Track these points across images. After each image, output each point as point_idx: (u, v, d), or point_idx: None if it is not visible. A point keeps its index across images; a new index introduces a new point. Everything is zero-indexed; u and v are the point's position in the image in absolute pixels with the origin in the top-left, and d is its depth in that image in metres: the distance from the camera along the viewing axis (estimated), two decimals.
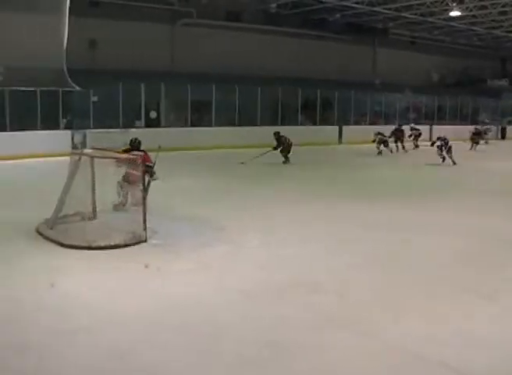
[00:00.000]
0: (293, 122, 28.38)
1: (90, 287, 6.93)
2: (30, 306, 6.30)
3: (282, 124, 26.75)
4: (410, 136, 26.73)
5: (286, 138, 20.23)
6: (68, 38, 21.34)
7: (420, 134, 27.37)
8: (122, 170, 10.31)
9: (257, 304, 6.50)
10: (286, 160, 20.08)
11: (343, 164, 19.01)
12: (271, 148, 19.52)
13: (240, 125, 25.77)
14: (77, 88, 21.26)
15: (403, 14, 29.44)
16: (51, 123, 21.74)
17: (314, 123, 29.50)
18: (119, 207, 10.64)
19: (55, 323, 5.83)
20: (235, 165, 18.86)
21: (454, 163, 20.06)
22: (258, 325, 5.87)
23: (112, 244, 8.74)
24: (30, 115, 21.03)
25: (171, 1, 27.28)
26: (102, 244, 8.69)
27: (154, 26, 26.44)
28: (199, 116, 25.83)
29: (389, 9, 28.53)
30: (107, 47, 24.34)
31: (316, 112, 29.68)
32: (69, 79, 21.39)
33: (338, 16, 30.51)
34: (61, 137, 20.34)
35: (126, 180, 10.43)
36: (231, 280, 7.33)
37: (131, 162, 9.96)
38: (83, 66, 22.03)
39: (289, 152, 20.13)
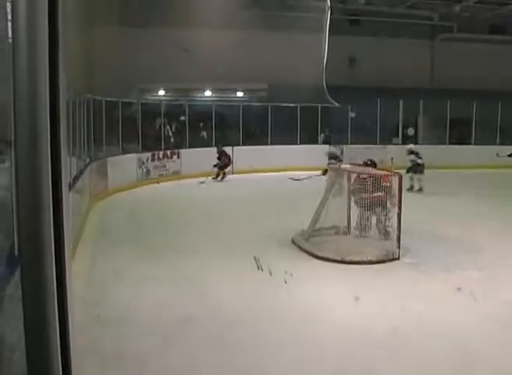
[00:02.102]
0: None
1: (346, 300, 7.06)
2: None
3: None
4: None
5: None
6: (327, 56, 22.00)
7: None
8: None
9: None
10: None
11: None
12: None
13: (501, 144, 24.27)
14: (336, 104, 21.75)
15: None
16: (309, 138, 22.50)
17: None
18: (362, 233, 10.11)
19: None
20: (491, 185, 17.65)
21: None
22: None
23: (365, 259, 8.74)
24: (291, 129, 21.96)
25: (431, 16, 26.75)
26: (355, 258, 8.73)
27: (413, 41, 26.14)
28: (458, 133, 24.88)
29: None
30: (366, 63, 24.60)
31: None
32: (328, 95, 21.99)
33: None
34: (319, 152, 20.90)
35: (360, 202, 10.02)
36: (486, 305, 6.91)
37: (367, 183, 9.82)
38: (342, 82, 22.48)
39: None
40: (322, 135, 22.80)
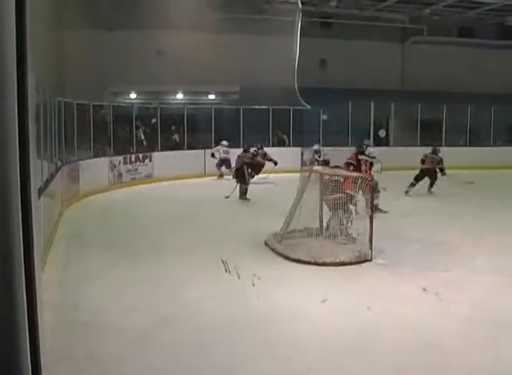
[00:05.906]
0: None
1: (314, 302, 7.03)
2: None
3: None
4: None
5: None
6: (299, 58, 22.11)
7: None
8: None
9: (485, 334, 6.09)
10: None
11: None
12: None
13: (471, 145, 24.59)
14: (307, 107, 21.85)
15: None
16: (281, 141, 22.51)
17: None
18: (326, 232, 10.08)
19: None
20: (463, 186, 17.81)
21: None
22: (486, 357, 5.49)
23: (337, 261, 8.77)
24: (263, 132, 21.97)
25: (401, 19, 27.02)
26: (327, 260, 8.75)
27: (384, 44, 26.35)
28: (429, 135, 25.09)
29: None
30: (337, 66, 24.75)
31: None
32: (299, 97, 22.09)
33: None
34: (290, 154, 20.92)
35: (328, 204, 10.10)
36: (457, 306, 6.94)
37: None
38: (314, 84, 22.56)
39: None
40: (284, 136, 22.74)
